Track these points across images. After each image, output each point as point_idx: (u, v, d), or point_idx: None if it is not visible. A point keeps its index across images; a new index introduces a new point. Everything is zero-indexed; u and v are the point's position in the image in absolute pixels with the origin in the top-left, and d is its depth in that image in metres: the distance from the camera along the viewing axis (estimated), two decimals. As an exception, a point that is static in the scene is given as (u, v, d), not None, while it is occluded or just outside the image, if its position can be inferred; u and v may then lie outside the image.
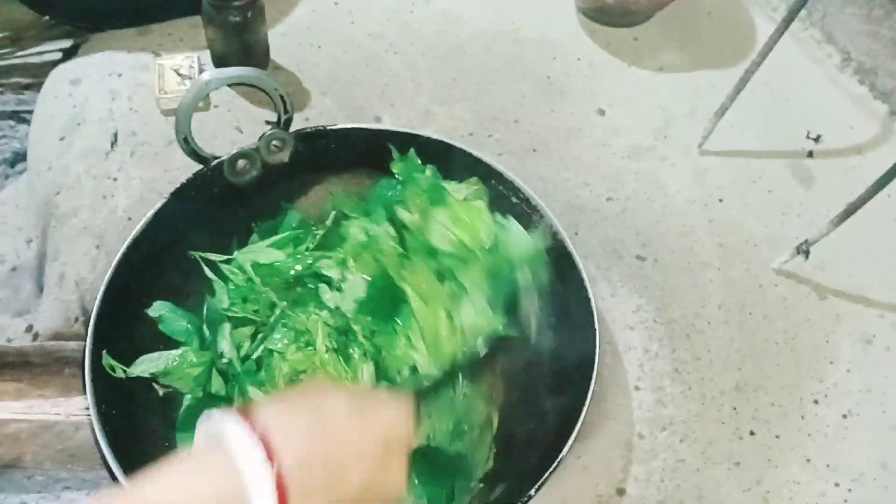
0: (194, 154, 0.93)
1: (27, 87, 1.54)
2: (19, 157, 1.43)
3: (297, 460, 0.48)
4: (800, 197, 1.10)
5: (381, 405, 0.57)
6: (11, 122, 1.50)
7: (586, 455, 0.87)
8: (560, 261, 0.91)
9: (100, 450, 0.79)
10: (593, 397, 0.80)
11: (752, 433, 0.90)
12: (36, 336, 1.14)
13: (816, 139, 1.17)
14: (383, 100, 1.16)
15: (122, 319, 0.88)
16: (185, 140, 0.91)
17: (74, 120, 1.14)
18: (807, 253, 0.98)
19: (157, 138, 1.09)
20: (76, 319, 1.04)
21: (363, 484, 0.52)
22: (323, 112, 1.13)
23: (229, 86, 1.15)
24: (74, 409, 1.01)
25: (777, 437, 0.90)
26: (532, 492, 0.74)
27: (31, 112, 1.36)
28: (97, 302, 0.86)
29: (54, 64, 1.30)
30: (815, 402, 0.93)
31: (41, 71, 1.35)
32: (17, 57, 1.47)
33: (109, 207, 1.04)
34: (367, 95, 1.16)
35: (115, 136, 1.10)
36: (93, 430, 0.80)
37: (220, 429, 0.49)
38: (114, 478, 0.75)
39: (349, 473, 0.51)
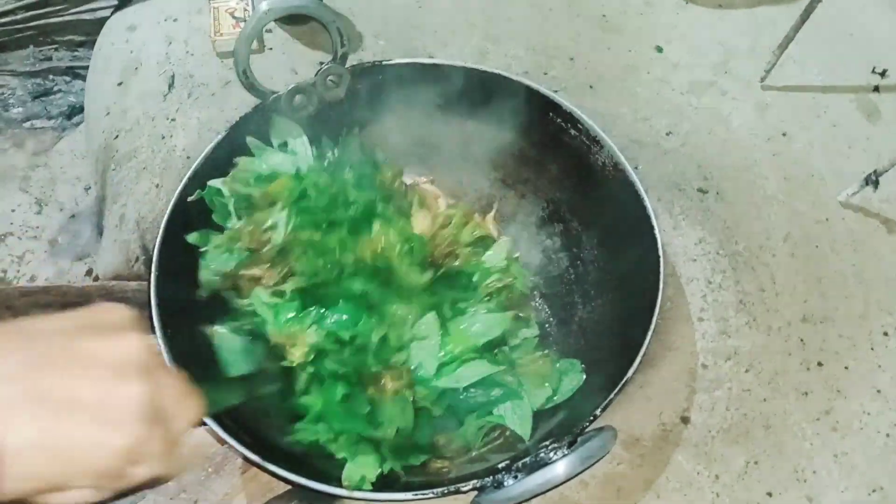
0: (253, 88, 0.93)
1: (81, 44, 1.56)
2: (75, 111, 1.46)
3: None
4: (866, 131, 1.07)
5: (101, 322, 0.47)
6: (67, 78, 1.53)
7: (649, 385, 0.86)
8: (623, 191, 0.90)
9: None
10: (655, 329, 0.79)
11: (819, 364, 0.88)
12: (96, 279, 1.16)
13: (882, 73, 1.13)
14: (436, 40, 1.14)
15: (183, 250, 0.89)
16: (245, 73, 0.91)
17: (132, 65, 1.15)
18: (876, 183, 0.95)
19: (213, 80, 1.10)
20: (136, 259, 1.05)
21: (95, 402, 0.42)
22: (377, 53, 1.13)
23: (284, 25, 1.15)
24: (136, 346, 1.02)
25: (846, 368, 0.88)
26: (598, 412, 0.74)
27: (85, 68, 1.38)
28: (161, 229, 0.87)
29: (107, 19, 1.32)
30: (885, 333, 0.90)
31: (94, 28, 1.36)
32: (71, 14, 1.49)
33: (168, 148, 1.05)
34: (420, 36, 1.15)
35: (172, 78, 1.11)
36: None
37: None
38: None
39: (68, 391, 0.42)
